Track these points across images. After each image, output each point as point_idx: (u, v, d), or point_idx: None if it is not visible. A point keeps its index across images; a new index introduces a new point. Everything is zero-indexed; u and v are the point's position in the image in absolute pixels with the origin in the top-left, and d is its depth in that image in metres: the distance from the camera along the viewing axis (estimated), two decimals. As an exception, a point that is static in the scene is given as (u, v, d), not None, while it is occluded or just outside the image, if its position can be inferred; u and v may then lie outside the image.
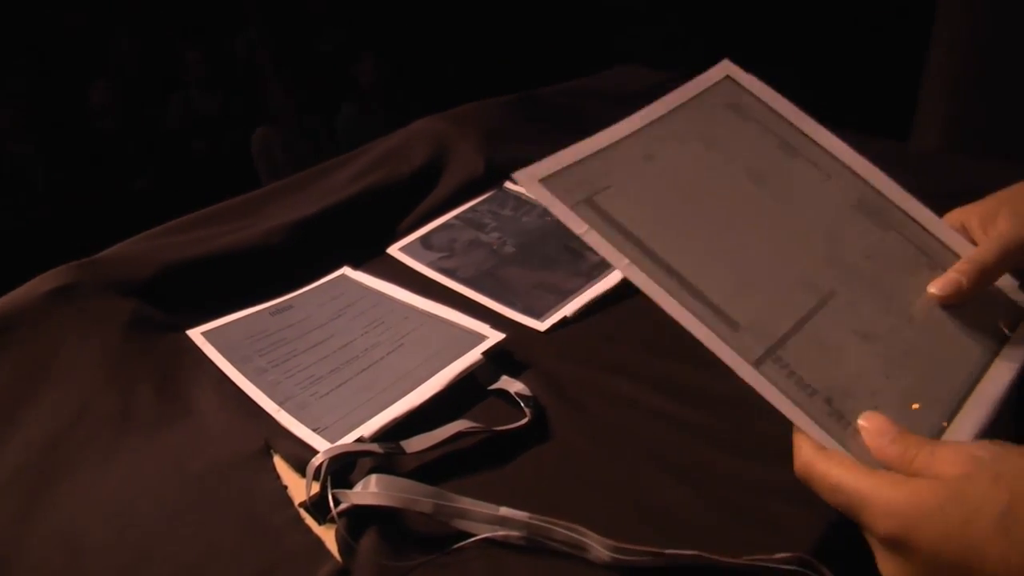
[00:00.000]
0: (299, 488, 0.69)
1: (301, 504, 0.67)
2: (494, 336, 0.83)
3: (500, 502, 0.64)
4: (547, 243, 1.03)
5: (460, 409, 0.76)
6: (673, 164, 0.61)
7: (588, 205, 0.55)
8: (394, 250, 1.05)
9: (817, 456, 0.48)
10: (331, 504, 0.65)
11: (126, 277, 0.95)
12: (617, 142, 0.62)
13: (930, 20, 2.00)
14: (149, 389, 0.82)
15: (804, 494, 0.55)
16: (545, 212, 1.08)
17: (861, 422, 0.49)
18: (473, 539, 0.62)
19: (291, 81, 3.88)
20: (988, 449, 0.43)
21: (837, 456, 0.48)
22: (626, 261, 0.53)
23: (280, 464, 0.72)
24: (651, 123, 0.63)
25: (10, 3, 4.29)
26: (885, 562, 0.45)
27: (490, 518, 0.62)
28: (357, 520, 0.64)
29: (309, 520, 0.66)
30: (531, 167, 0.57)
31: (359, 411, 0.75)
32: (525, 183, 0.56)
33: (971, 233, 0.61)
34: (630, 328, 0.87)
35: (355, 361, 0.82)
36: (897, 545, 0.43)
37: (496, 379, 0.79)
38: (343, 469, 0.69)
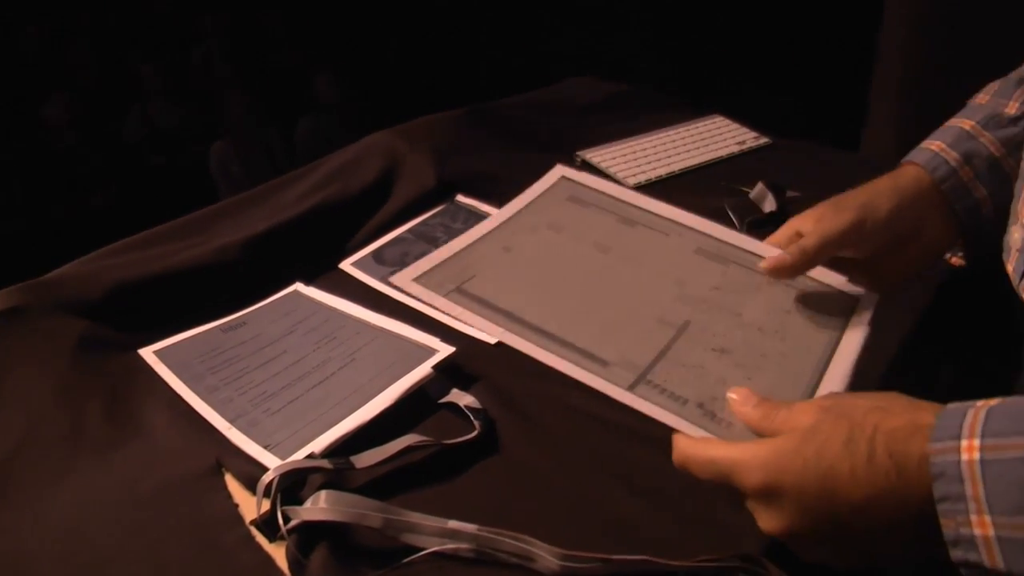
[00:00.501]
0: (250, 506, 0.69)
1: (252, 522, 0.67)
2: (444, 349, 0.83)
3: (450, 515, 0.64)
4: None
5: (410, 423, 0.77)
6: (528, 250, 0.72)
7: (458, 292, 0.67)
8: (346, 265, 1.05)
9: (691, 443, 0.56)
10: (281, 521, 0.65)
11: (76, 297, 0.94)
12: (475, 242, 0.74)
13: (876, 27, 2.04)
14: (99, 409, 0.82)
15: None
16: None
17: (730, 394, 0.58)
18: (422, 553, 0.63)
19: (249, 95, 3.86)
20: (831, 398, 0.52)
21: (707, 439, 0.57)
22: (500, 330, 0.65)
23: (231, 482, 0.72)
24: (502, 223, 0.75)
25: (-38, 18, 4.24)
26: (762, 517, 0.52)
27: (439, 531, 0.63)
28: (307, 536, 0.64)
29: (260, 538, 0.67)
30: (405, 270, 0.70)
31: (310, 427, 0.75)
32: (401, 283, 0.69)
33: (805, 233, 0.69)
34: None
35: (307, 377, 0.83)
36: (768, 494, 0.50)
37: (446, 392, 0.80)
38: (293, 486, 0.69)
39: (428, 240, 1.07)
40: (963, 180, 0.66)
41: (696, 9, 2.87)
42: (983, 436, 0.41)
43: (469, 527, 0.63)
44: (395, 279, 0.65)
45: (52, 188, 3.82)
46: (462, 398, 0.78)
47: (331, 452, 0.72)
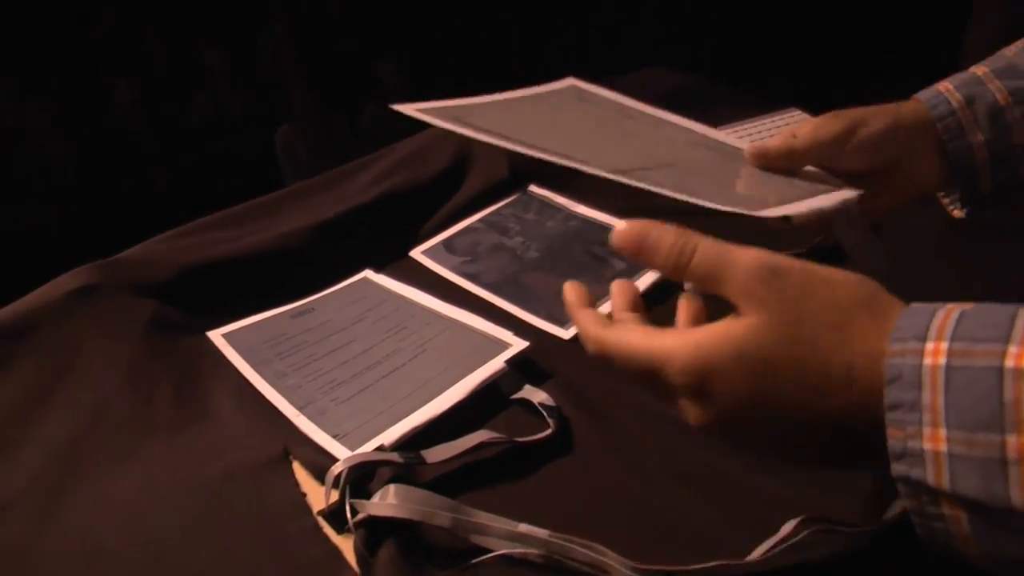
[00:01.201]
0: (317, 496, 0.68)
1: (319, 513, 0.66)
2: (518, 344, 0.81)
3: (520, 515, 0.62)
4: (571, 249, 1.01)
5: (482, 418, 0.75)
6: (530, 111, 0.72)
7: (456, 120, 0.63)
8: (416, 253, 1.04)
9: (605, 331, 0.49)
10: (348, 514, 0.63)
11: (147, 278, 0.94)
12: (476, 104, 0.71)
13: (963, 22, 1.97)
14: (168, 391, 0.81)
15: (827, 509, 0.58)
16: (569, 217, 1.07)
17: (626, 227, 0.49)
18: (490, 555, 0.61)
19: (314, 80, 3.88)
20: (769, 284, 0.43)
21: (624, 326, 0.49)
22: (501, 140, 0.61)
23: (299, 471, 0.71)
24: (505, 99, 0.74)
25: (42, 4, 4.33)
26: (692, 408, 0.45)
27: (509, 534, 0.61)
28: (374, 531, 0.63)
29: (327, 529, 0.65)
30: (411, 104, 0.67)
31: (379, 418, 0.74)
32: (404, 109, 0.66)
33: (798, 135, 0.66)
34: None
35: (376, 367, 0.81)
36: (696, 395, 0.44)
37: (519, 388, 0.78)
38: (362, 478, 0.68)
39: (500, 230, 1.05)
40: (960, 121, 0.64)
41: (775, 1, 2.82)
42: (952, 340, 0.36)
43: (540, 532, 0.60)
44: (398, 106, 0.67)
45: (119, 170, 3.89)
46: (535, 395, 0.76)
47: (401, 445, 0.71)
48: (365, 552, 0.61)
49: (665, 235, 0.47)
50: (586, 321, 0.52)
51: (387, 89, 3.98)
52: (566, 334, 0.87)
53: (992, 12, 1.89)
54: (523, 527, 0.61)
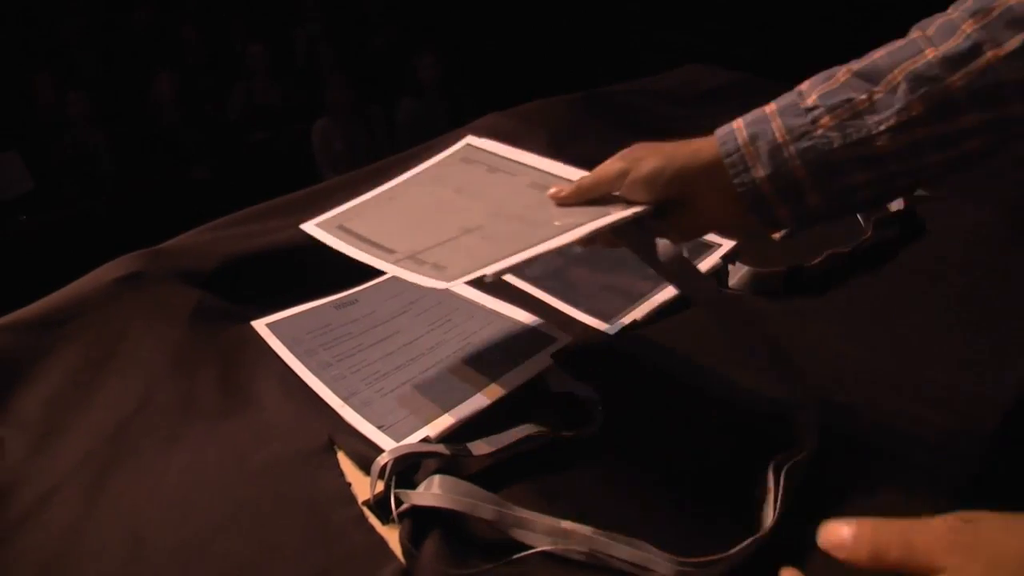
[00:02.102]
0: (362, 486, 0.68)
1: (365, 502, 0.66)
2: (562, 338, 0.81)
3: (564, 509, 0.62)
4: (616, 244, 1.01)
5: (526, 412, 0.74)
6: (405, 197, 0.83)
7: (341, 229, 0.77)
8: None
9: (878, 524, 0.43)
10: (393, 504, 0.63)
11: (192, 267, 0.95)
12: (372, 197, 0.84)
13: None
14: (212, 379, 0.82)
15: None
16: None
17: (832, 531, 0.44)
18: (533, 551, 0.60)
19: (351, 74, 3.90)
20: (965, 532, 0.40)
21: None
22: (342, 244, 0.74)
23: (344, 461, 0.71)
24: (402, 182, 0.86)
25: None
26: None
27: (552, 531, 0.61)
28: (419, 521, 0.63)
29: (372, 519, 0.65)
30: (313, 220, 0.82)
31: (424, 410, 0.74)
32: (307, 228, 0.80)
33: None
34: (699, 332, 0.85)
35: (420, 359, 0.81)
36: None
37: (563, 383, 0.77)
38: (407, 469, 0.68)
39: (543, 225, 1.05)
40: (744, 157, 0.67)
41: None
42: None
43: (584, 529, 0.60)
44: (304, 226, 0.81)
45: (157, 161, 3.93)
46: (580, 389, 0.75)
47: (446, 437, 0.71)
48: (410, 543, 0.61)
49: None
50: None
51: (424, 84, 3.98)
52: (610, 329, 0.86)
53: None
54: (566, 524, 0.60)
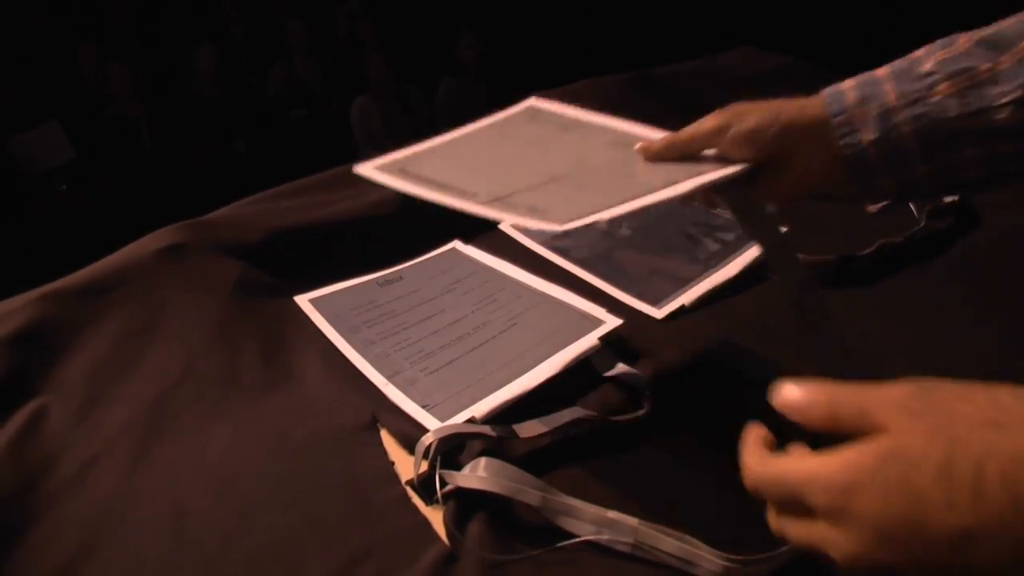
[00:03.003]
0: (406, 465, 0.67)
1: (408, 482, 0.65)
2: (611, 321, 0.79)
3: (609, 496, 0.61)
4: (664, 228, 0.99)
5: (574, 395, 0.73)
6: (470, 146, 0.79)
7: (402, 172, 0.73)
8: (506, 226, 1.02)
9: (761, 461, 0.47)
10: (438, 485, 0.62)
11: (235, 240, 0.94)
12: (431, 147, 0.79)
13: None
14: (255, 352, 0.81)
15: None
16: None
17: (787, 393, 0.47)
18: (578, 539, 0.59)
19: (392, 52, 3.89)
20: (922, 394, 0.42)
21: (774, 456, 0.47)
22: (411, 186, 0.69)
23: (387, 439, 0.70)
24: (462, 135, 0.81)
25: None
26: (836, 541, 0.42)
27: (598, 520, 0.59)
28: (463, 504, 0.62)
29: (416, 499, 0.64)
30: (369, 161, 0.76)
31: (470, 391, 0.72)
32: (364, 172, 0.74)
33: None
34: (749, 319, 0.83)
35: (466, 338, 0.80)
36: (841, 516, 0.41)
37: (612, 366, 0.76)
38: (452, 450, 0.66)
39: (590, 206, 1.03)
40: (852, 119, 0.64)
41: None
42: None
43: (630, 520, 0.58)
44: (359, 168, 0.75)
45: (198, 133, 3.95)
46: (628, 374, 0.74)
47: (491, 419, 0.69)
48: (454, 526, 0.60)
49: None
50: (748, 458, 0.49)
51: (464, 63, 3.96)
52: (659, 313, 0.85)
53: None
54: (612, 514, 0.59)
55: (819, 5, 3.12)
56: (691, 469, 0.67)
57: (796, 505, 0.44)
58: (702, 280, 0.89)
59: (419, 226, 1.00)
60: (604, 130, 0.77)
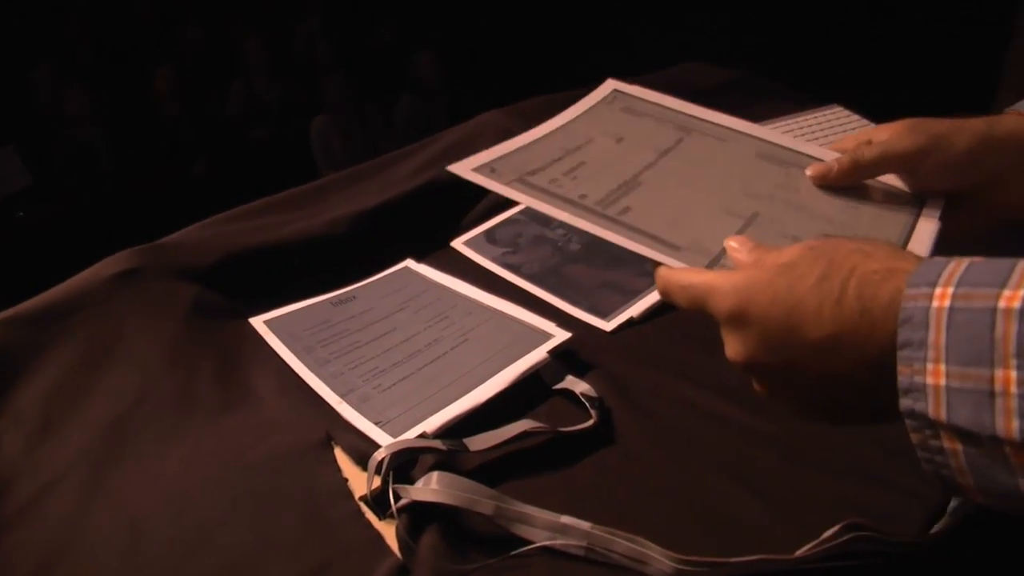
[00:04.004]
0: (359, 481, 0.68)
1: (362, 498, 0.66)
2: (560, 335, 0.81)
3: (561, 506, 0.62)
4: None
5: (524, 408, 0.75)
6: (590, 151, 0.71)
7: (521, 182, 0.65)
8: (458, 243, 1.04)
9: (671, 271, 0.55)
10: (391, 499, 0.63)
11: (190, 263, 0.95)
12: (533, 143, 0.72)
13: (1009, 16, 1.94)
14: (210, 374, 0.82)
15: (869, 503, 0.60)
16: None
17: (729, 242, 0.55)
18: (532, 546, 0.60)
19: (351, 71, 3.90)
20: (820, 239, 0.50)
21: (687, 268, 0.55)
22: (566, 214, 0.60)
23: (341, 456, 0.71)
24: (557, 129, 0.74)
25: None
26: (729, 343, 0.50)
27: (551, 525, 0.61)
28: (416, 517, 0.63)
29: (369, 514, 0.65)
30: (463, 161, 0.68)
31: (422, 406, 0.74)
32: (460, 171, 0.67)
33: (874, 143, 0.64)
34: (696, 330, 0.84)
35: (418, 355, 0.81)
36: (735, 320, 0.49)
37: (561, 379, 0.77)
38: (404, 464, 0.68)
39: (542, 221, 1.05)
40: None
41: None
42: (957, 285, 0.39)
43: (583, 524, 0.60)
44: (454, 167, 0.67)
45: (156, 157, 3.93)
46: (577, 385, 0.76)
47: (443, 433, 0.71)
48: (408, 537, 0.61)
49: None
50: (660, 268, 0.56)
51: (423, 80, 3.98)
52: (608, 326, 0.87)
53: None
54: (565, 519, 0.61)
55: (763, 19, 3.18)
56: (639, 476, 0.69)
57: (699, 312, 0.52)
58: (651, 292, 0.92)
59: (372, 245, 1.01)
60: (739, 137, 0.71)
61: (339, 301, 0.92)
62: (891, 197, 0.63)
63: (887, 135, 0.62)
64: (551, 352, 0.79)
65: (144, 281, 0.92)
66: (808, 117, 1.33)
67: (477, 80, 4.27)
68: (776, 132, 0.71)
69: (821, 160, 0.65)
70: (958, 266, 0.40)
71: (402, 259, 1.00)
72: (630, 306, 0.90)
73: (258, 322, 0.89)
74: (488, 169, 0.67)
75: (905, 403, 0.40)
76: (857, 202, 0.63)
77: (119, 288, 0.91)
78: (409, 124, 3.91)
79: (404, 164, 1.17)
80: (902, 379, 0.40)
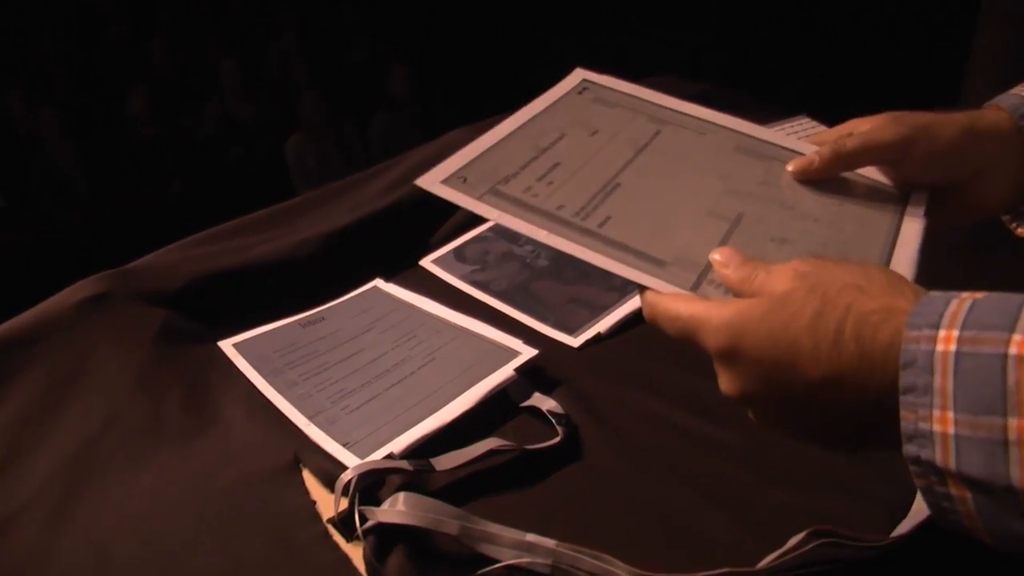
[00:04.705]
0: (327, 504, 0.68)
1: (329, 520, 0.66)
2: (527, 352, 0.81)
3: (528, 523, 0.62)
4: (581, 257, 1.02)
5: (491, 426, 0.75)
6: (562, 148, 0.67)
7: (493, 194, 0.61)
8: (427, 262, 1.04)
9: (659, 297, 0.53)
10: (357, 521, 0.64)
11: (158, 287, 0.95)
12: (501, 142, 0.68)
13: (970, 31, 1.96)
14: (178, 400, 0.82)
15: (836, 511, 0.61)
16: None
17: (714, 255, 0.53)
18: (498, 565, 0.61)
19: (325, 89, 3.90)
20: (811, 264, 0.48)
21: (677, 294, 0.53)
22: (544, 232, 0.58)
23: (309, 479, 0.71)
24: (526, 123, 0.70)
25: (55, 13, 4.36)
26: (722, 378, 0.49)
27: (517, 544, 0.61)
28: (384, 538, 0.63)
29: (337, 536, 0.65)
30: (431, 172, 0.63)
31: (389, 426, 0.74)
32: (428, 186, 0.62)
33: (854, 134, 0.63)
34: (664, 345, 0.85)
35: (385, 375, 0.82)
36: (729, 356, 0.47)
37: (528, 396, 0.78)
38: (372, 486, 0.68)
39: (510, 238, 1.06)
40: None
41: (782, 8, 2.81)
42: (963, 328, 0.38)
43: (548, 542, 0.60)
44: (420, 181, 0.62)
45: (131, 178, 3.91)
46: (544, 402, 0.76)
47: (410, 453, 0.71)
48: (374, 559, 0.61)
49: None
50: (647, 292, 0.55)
51: (397, 97, 3.99)
52: (575, 342, 0.87)
53: (1000, 18, 1.87)
54: (531, 537, 0.61)
55: (736, 31, 3.21)
56: (606, 492, 0.69)
57: (689, 344, 0.50)
58: (618, 307, 0.92)
59: (342, 265, 1.01)
60: (716, 129, 0.69)
61: (308, 322, 0.92)
62: (875, 192, 0.62)
63: (869, 126, 0.61)
64: (518, 370, 0.79)
65: (112, 306, 0.91)
66: (776, 128, 1.35)
67: (452, 96, 4.29)
68: (753, 124, 0.69)
69: (801, 153, 0.64)
70: (960, 306, 0.39)
71: (371, 279, 1.00)
72: (597, 321, 0.90)
73: (227, 345, 0.89)
74: (459, 179, 0.63)
75: (909, 449, 0.39)
76: (841, 198, 0.62)
77: (86, 314, 0.90)
78: (384, 141, 3.91)
79: (374, 183, 1.17)
80: (906, 424, 0.39)
